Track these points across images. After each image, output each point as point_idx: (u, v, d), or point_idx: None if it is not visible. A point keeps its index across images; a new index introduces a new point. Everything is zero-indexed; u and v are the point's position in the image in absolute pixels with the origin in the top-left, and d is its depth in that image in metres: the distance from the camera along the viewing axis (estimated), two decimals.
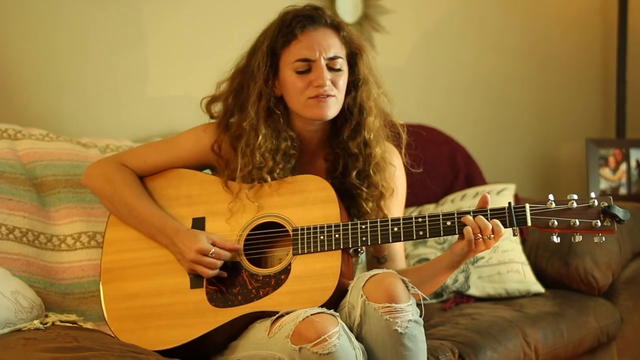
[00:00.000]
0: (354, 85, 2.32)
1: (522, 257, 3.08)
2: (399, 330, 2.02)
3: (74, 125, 2.93)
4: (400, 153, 2.41)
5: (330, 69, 2.25)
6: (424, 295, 2.12)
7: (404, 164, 2.42)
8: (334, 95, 2.25)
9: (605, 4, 4.15)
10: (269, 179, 2.27)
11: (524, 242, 3.17)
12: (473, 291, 3.01)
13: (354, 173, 2.31)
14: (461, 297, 3.00)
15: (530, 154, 4.09)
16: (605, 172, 3.76)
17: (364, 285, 2.07)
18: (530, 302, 2.95)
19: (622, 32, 3.92)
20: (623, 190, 3.75)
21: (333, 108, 2.26)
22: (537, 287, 3.04)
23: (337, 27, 2.28)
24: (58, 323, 2.32)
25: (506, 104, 4.02)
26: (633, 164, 3.77)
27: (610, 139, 3.97)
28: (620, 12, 3.92)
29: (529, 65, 4.06)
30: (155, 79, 3.11)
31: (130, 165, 2.40)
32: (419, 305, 2.09)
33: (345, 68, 2.28)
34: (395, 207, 2.39)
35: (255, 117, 2.28)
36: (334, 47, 2.26)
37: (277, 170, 2.29)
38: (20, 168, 2.59)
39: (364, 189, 2.31)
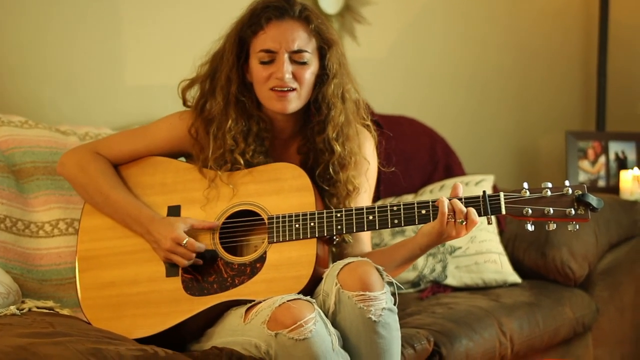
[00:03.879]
0: (322, 79, 2.30)
1: (500, 248, 3.10)
2: (373, 318, 2.03)
3: (54, 112, 2.92)
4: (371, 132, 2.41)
5: (294, 61, 2.25)
6: (399, 285, 2.13)
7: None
8: (294, 89, 2.25)
9: None
10: (242, 161, 2.28)
11: (501, 232, 3.20)
12: (450, 281, 3.03)
13: (320, 168, 2.32)
14: (438, 287, 3.02)
15: (510, 145, 4.11)
16: (584, 164, 3.79)
17: (338, 273, 2.08)
18: (506, 292, 2.97)
19: (603, 26, 3.95)
20: (602, 183, 3.78)
21: (294, 102, 2.26)
22: (514, 278, 3.06)
23: (306, 19, 2.26)
24: (35, 309, 2.32)
25: (487, 96, 4.04)
26: (612, 156, 3.79)
27: (590, 131, 4.00)
28: (602, 7, 3.94)
29: (510, 58, 4.08)
30: (135, 67, 3.11)
31: (104, 153, 2.40)
32: (393, 294, 2.11)
33: (313, 61, 2.27)
34: (363, 202, 2.38)
35: (222, 101, 2.29)
36: (300, 39, 2.24)
37: (250, 153, 2.29)
38: None
39: (325, 186, 2.31)
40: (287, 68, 2.23)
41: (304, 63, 2.26)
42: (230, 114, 2.29)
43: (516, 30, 4.08)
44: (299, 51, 2.24)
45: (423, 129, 3.45)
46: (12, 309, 2.25)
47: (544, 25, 4.14)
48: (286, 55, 2.23)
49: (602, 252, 3.17)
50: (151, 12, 3.13)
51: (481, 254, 3.04)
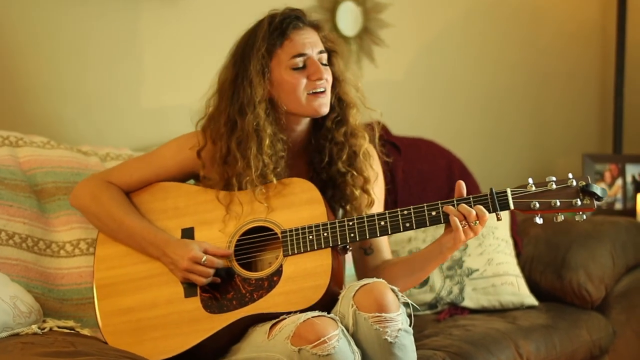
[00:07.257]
0: (333, 81, 2.37)
1: (517, 270, 3.10)
2: (389, 339, 2.05)
3: (75, 133, 2.96)
4: (376, 149, 2.47)
5: (320, 63, 2.31)
6: (415, 306, 2.15)
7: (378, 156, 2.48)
8: (325, 89, 2.31)
9: (604, 20, 4.19)
10: (274, 180, 2.29)
11: (518, 255, 3.20)
12: (467, 303, 3.03)
13: (340, 161, 2.36)
14: (455, 309, 3.02)
15: (526, 167, 4.12)
16: (601, 187, 3.78)
17: (354, 295, 2.10)
18: (523, 315, 2.97)
19: (620, 48, 3.96)
20: (618, 206, 3.78)
21: (328, 103, 2.32)
22: (531, 300, 3.06)
23: (317, 27, 2.36)
24: (56, 329, 2.33)
25: (504, 118, 4.06)
26: (629, 179, 3.80)
27: (606, 154, 4.00)
28: (619, 29, 3.96)
29: (527, 80, 4.09)
30: (154, 88, 3.14)
31: (116, 182, 2.42)
32: (409, 314, 2.12)
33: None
34: (378, 191, 2.44)
35: (257, 119, 2.28)
36: (319, 42, 2.33)
37: (276, 171, 2.30)
38: (21, 175, 2.62)
39: (349, 178, 2.35)
40: (321, 67, 2.30)
41: (326, 64, 2.33)
42: (266, 131, 2.28)
43: (532, 52, 4.09)
44: (322, 52, 2.32)
45: (440, 151, 3.46)
46: (34, 328, 2.26)
47: (560, 47, 4.16)
48: (316, 56, 2.30)
49: (619, 275, 3.16)
50: (169, 35, 3.16)
51: (498, 277, 3.04)
